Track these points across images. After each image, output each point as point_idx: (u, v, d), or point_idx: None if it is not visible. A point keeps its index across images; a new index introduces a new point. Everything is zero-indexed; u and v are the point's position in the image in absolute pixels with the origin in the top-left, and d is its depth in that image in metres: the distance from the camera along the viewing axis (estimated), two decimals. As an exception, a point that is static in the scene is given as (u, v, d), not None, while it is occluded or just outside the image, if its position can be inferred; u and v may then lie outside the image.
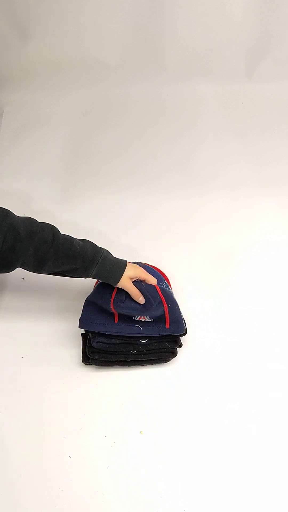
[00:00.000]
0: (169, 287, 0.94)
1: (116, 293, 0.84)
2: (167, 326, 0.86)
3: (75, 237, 0.82)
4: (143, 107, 1.39)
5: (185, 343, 0.91)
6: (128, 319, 0.85)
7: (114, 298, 0.83)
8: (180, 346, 0.89)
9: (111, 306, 0.83)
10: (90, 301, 0.87)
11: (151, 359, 0.87)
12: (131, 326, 0.85)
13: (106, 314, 0.85)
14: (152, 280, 0.88)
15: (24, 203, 1.16)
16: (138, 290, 0.83)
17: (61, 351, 0.91)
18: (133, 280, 0.85)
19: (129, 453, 0.80)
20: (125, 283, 0.82)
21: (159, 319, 0.86)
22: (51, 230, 0.78)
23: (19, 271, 0.81)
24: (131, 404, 0.85)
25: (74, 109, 1.40)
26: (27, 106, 1.41)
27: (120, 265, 0.83)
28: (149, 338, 0.87)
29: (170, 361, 0.89)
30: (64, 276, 0.84)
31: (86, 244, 0.82)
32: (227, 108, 1.38)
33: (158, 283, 0.92)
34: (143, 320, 0.85)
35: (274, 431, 0.82)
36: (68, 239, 0.80)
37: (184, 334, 0.90)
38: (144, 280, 0.87)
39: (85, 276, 0.82)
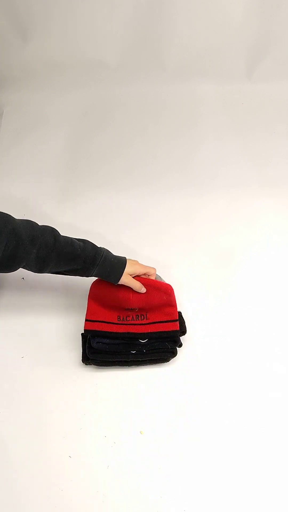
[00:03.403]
0: None
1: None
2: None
3: (75, 238, 0.83)
4: (143, 107, 1.39)
5: (185, 343, 0.91)
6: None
7: None
8: (180, 345, 0.89)
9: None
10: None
11: (151, 359, 0.87)
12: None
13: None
14: (151, 271, 0.91)
15: (24, 203, 1.16)
16: (138, 282, 0.87)
17: (61, 351, 0.91)
18: (133, 276, 0.88)
19: (129, 453, 0.80)
20: (125, 279, 0.85)
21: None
22: (51, 233, 0.79)
23: (19, 271, 0.81)
24: (131, 404, 0.85)
25: (74, 109, 1.40)
26: (27, 106, 1.41)
27: (119, 264, 0.85)
28: (149, 337, 0.87)
29: (170, 361, 0.89)
30: (65, 275, 0.86)
31: (87, 246, 0.83)
32: (227, 108, 1.38)
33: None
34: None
35: (274, 431, 0.82)
36: (69, 241, 0.81)
37: (184, 334, 0.90)
38: (144, 274, 0.90)
39: (86, 276, 0.84)
